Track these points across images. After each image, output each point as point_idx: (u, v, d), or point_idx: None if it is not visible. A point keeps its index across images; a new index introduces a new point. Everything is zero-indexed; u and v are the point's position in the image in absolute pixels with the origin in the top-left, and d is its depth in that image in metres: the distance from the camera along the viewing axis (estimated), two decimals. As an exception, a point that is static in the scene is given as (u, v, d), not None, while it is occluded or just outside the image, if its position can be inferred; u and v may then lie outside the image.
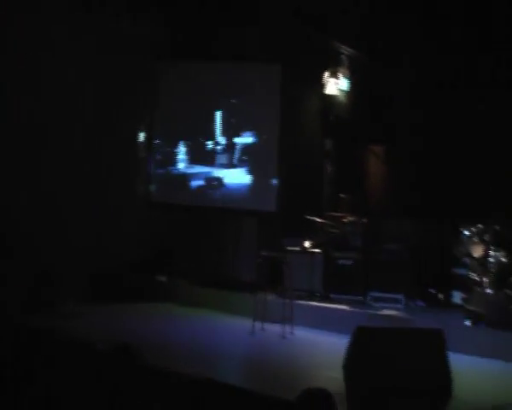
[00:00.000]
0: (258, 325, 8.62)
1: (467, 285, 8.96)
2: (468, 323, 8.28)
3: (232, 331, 8.82)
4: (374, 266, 9.58)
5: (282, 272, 9.11)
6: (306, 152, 11.62)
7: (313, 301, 9.60)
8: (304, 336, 8.63)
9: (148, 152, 11.49)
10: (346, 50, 12.16)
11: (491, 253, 8.85)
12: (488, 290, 8.51)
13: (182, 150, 11.39)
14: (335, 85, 12.04)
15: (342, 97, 12.32)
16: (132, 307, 9.79)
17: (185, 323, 9.35)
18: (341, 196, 10.92)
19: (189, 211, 11.22)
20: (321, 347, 8.26)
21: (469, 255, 9.02)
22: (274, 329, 8.58)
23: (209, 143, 11.25)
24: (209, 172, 11.23)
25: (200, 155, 11.32)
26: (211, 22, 11.01)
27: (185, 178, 11.35)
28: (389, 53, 11.23)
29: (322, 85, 11.96)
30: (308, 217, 10.02)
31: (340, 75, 12.06)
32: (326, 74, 11.93)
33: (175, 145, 11.39)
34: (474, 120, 10.54)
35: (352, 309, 9.19)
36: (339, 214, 10.32)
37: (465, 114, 10.60)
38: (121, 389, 4.51)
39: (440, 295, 9.58)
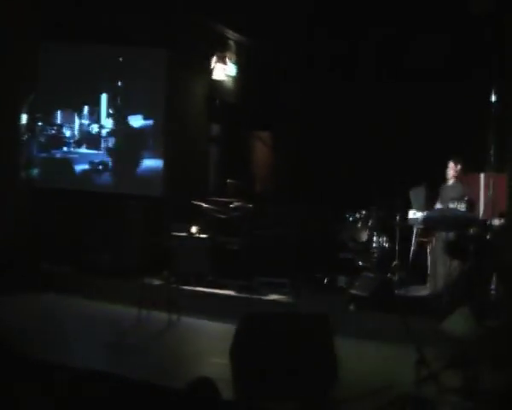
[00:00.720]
0: (143, 312, 8.44)
1: (351, 270, 9.15)
2: (352, 306, 8.42)
3: (117, 320, 8.59)
4: (260, 251, 9.59)
5: (167, 257, 8.97)
6: (193, 137, 11.55)
7: (200, 286, 9.52)
8: (190, 322, 8.52)
9: (30, 135, 11.08)
10: (233, 36, 12.13)
11: (375, 238, 9.09)
12: (371, 274, 8.71)
13: (66, 133, 11.08)
14: (223, 71, 11.98)
15: (230, 82, 12.29)
16: (10, 298, 9.30)
17: (65, 312, 8.96)
18: (228, 181, 10.89)
19: (73, 196, 10.89)
20: (208, 333, 8.20)
21: (354, 240, 9.22)
22: (160, 316, 8.43)
23: (94, 126, 10.99)
24: (94, 155, 10.97)
25: (84, 139, 11.06)
26: (96, 5, 10.69)
27: (69, 162, 11.06)
28: (277, 38, 11.27)
29: (209, 70, 11.87)
30: (194, 202, 9.93)
31: (228, 60, 12.01)
32: (213, 59, 11.85)
33: (59, 128, 11.06)
34: (359, 106, 10.76)
35: (238, 295, 9.18)
36: (225, 199, 10.28)
37: (350, 99, 10.79)
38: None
39: (326, 280, 9.72)
